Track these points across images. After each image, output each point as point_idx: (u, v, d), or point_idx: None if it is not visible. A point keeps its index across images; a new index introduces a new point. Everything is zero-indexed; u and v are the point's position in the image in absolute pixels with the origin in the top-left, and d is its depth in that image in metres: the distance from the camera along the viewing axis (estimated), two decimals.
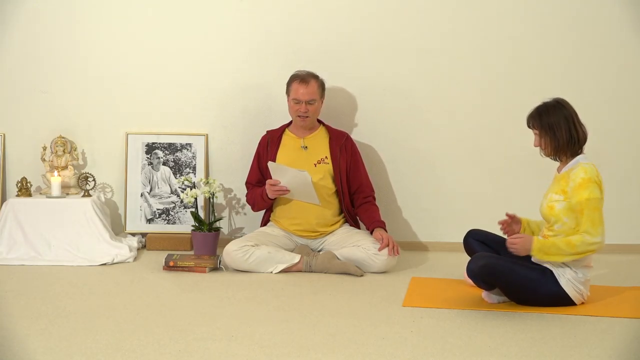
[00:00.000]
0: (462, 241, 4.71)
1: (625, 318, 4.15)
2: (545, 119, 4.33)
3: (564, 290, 4.29)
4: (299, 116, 5.22)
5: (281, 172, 5.08)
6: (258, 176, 5.31)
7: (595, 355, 3.62)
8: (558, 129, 4.32)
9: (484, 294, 4.41)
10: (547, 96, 4.41)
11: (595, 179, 4.27)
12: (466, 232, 4.72)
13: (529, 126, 4.40)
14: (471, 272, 4.29)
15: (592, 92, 5.55)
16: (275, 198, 5.20)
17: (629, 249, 5.59)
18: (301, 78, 5.21)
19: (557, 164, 4.46)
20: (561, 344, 3.76)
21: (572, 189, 4.28)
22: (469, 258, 4.45)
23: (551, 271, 4.29)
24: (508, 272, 4.25)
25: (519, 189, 5.49)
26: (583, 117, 4.36)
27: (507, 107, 5.58)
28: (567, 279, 4.28)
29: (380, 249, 5.00)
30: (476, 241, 4.65)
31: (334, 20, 5.64)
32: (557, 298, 4.30)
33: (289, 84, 5.25)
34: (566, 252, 4.22)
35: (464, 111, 5.66)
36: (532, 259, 4.33)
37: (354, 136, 5.56)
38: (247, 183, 5.40)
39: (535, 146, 4.42)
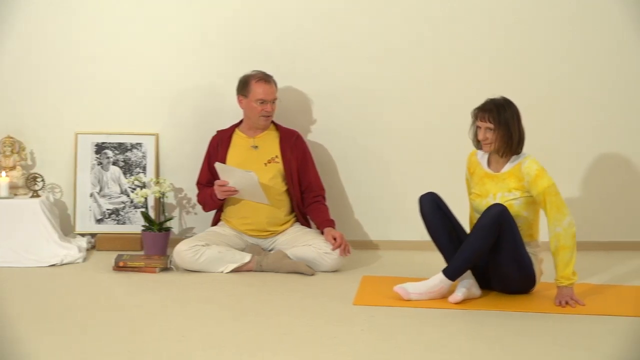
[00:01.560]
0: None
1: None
2: (503, 114, 4.41)
3: (534, 271, 4.43)
4: (263, 116, 5.21)
5: (228, 173, 5.08)
6: (208, 176, 5.29)
7: (554, 350, 3.67)
8: (512, 125, 4.41)
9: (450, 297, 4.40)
10: (498, 94, 4.48)
11: (544, 168, 4.41)
12: (424, 197, 4.63)
13: (482, 120, 4.44)
14: (494, 213, 4.27)
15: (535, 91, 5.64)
16: (225, 198, 5.19)
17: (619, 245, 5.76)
18: (263, 78, 5.20)
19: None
20: (514, 341, 3.80)
21: (529, 182, 4.39)
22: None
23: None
24: (516, 231, 4.32)
25: None
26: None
27: (459, 106, 5.61)
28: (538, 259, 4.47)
29: (333, 249, 5.02)
30: (445, 215, 4.60)
31: (285, 19, 5.64)
32: (529, 279, 4.44)
33: (246, 84, 5.22)
34: (569, 255, 4.33)
35: (416, 110, 5.69)
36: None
37: (305, 135, 5.58)
38: (197, 183, 5.38)
39: (481, 139, 4.46)
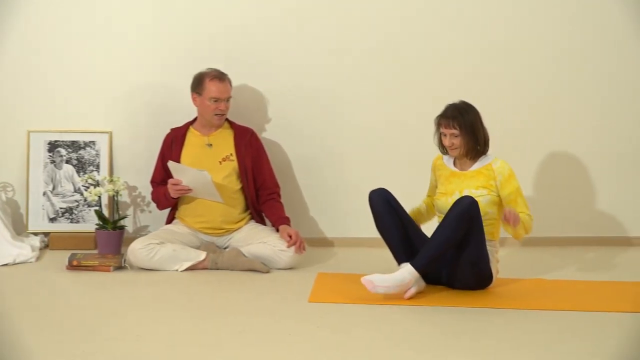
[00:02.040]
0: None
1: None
2: (466, 118, 4.47)
3: (490, 269, 4.48)
4: (217, 114, 5.20)
5: (181, 171, 5.06)
6: (162, 175, 5.27)
7: (507, 345, 3.70)
8: (477, 128, 4.50)
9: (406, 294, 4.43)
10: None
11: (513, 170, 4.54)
12: (374, 192, 4.64)
13: (446, 127, 4.48)
14: (464, 205, 4.30)
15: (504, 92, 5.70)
16: (179, 197, 5.17)
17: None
18: (218, 76, 5.19)
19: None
20: (468, 337, 3.83)
21: (501, 182, 4.49)
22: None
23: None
24: (482, 227, 4.38)
25: (424, 184, 5.57)
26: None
27: (413, 103, 5.66)
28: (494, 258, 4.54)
29: (288, 246, 5.02)
30: (392, 203, 4.62)
31: (240, 17, 5.63)
32: (486, 277, 4.49)
33: (200, 82, 5.20)
34: (528, 222, 4.49)
35: (371, 108, 5.71)
36: None
37: (260, 133, 5.57)
38: (152, 182, 5.36)
39: (448, 145, 4.52)
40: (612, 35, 5.69)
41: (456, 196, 4.49)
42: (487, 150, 4.57)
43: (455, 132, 4.47)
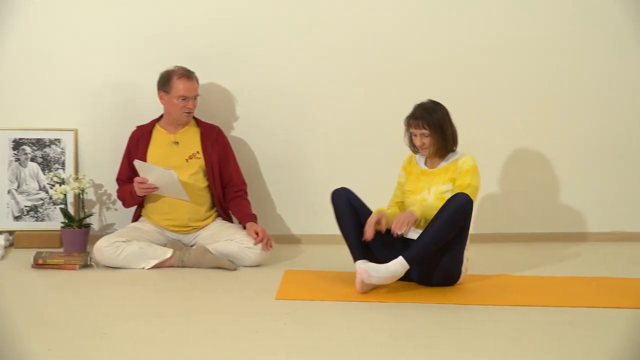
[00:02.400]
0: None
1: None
2: (435, 117, 4.50)
3: (461, 267, 4.53)
4: (185, 112, 5.18)
5: (148, 170, 5.05)
6: (128, 173, 5.25)
7: (476, 341, 3.73)
8: (445, 127, 4.52)
9: (358, 284, 4.46)
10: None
11: (477, 168, 4.52)
12: (342, 188, 4.68)
13: (416, 127, 4.51)
14: (461, 201, 4.33)
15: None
16: (145, 195, 5.16)
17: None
18: (185, 74, 5.17)
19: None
20: (435, 332, 3.85)
21: (459, 172, 4.50)
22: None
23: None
24: (469, 226, 4.43)
25: (390, 181, 5.59)
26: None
27: (380, 101, 5.69)
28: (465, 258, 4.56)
29: (255, 243, 5.02)
30: (353, 203, 4.63)
31: (206, 14, 5.62)
32: (457, 274, 4.54)
33: (168, 80, 5.18)
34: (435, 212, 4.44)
35: (336, 106, 5.73)
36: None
37: (227, 130, 5.56)
38: (117, 179, 5.33)
39: (419, 145, 4.55)
40: (597, 34, 5.77)
41: (425, 194, 4.53)
42: (455, 147, 4.60)
43: (425, 132, 4.50)
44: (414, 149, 4.65)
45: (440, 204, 4.45)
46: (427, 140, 4.52)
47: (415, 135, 4.56)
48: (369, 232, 4.50)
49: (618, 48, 5.79)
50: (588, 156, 5.87)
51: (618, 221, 5.92)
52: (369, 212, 4.62)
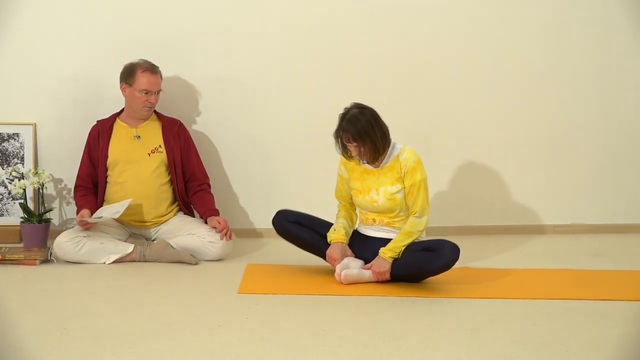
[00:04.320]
0: (303, 212, 4.80)
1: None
2: (360, 127, 4.40)
3: None
4: (146, 107, 5.16)
5: (103, 210, 5.03)
6: (89, 168, 5.22)
7: (438, 334, 3.75)
8: (373, 133, 4.42)
9: (342, 275, 4.48)
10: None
11: (421, 160, 4.49)
12: (277, 213, 4.82)
13: (346, 141, 4.45)
14: (450, 261, 4.38)
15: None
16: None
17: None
18: (149, 68, 5.15)
19: None
20: (398, 325, 3.86)
21: (405, 173, 4.46)
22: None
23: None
24: None
25: None
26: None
27: (341, 96, 5.66)
28: None
29: (217, 232, 5.01)
30: (291, 223, 4.76)
31: (168, 6, 5.59)
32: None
33: (131, 73, 5.15)
34: (407, 239, 4.46)
35: (300, 100, 5.73)
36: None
37: (189, 125, 5.55)
38: (76, 185, 5.26)
39: (355, 155, 4.50)
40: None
41: (373, 194, 4.52)
42: (389, 143, 4.51)
43: (355, 144, 4.44)
44: (349, 158, 4.56)
45: (391, 205, 4.48)
46: (360, 150, 4.45)
47: (348, 146, 4.49)
48: (337, 269, 4.54)
49: (576, 42, 5.86)
50: (544, 149, 5.92)
51: (578, 214, 5.98)
52: (314, 219, 4.72)
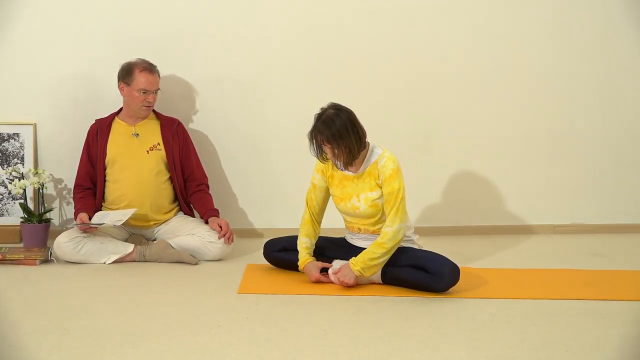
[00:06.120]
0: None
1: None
2: (335, 129, 4.32)
3: None
4: (145, 106, 5.16)
5: (103, 216, 5.02)
6: (88, 167, 5.22)
7: (438, 333, 3.75)
8: (347, 136, 4.33)
9: (333, 273, 4.49)
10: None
11: (400, 167, 4.42)
12: (264, 246, 4.84)
13: (321, 142, 4.38)
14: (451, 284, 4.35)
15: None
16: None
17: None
18: (148, 68, 5.15)
19: None
20: (397, 325, 3.87)
21: (383, 180, 4.40)
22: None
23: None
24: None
25: None
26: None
27: (340, 95, 5.66)
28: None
29: (220, 237, 5.01)
30: (277, 252, 4.78)
31: (167, 5, 5.59)
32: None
33: (130, 72, 5.15)
34: (381, 254, 4.37)
35: (298, 100, 5.73)
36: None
37: (187, 124, 5.55)
38: (75, 185, 5.26)
39: (330, 157, 4.43)
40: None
41: (354, 201, 4.47)
42: (364, 146, 4.42)
43: (329, 146, 4.37)
44: (324, 160, 4.49)
45: (373, 211, 4.44)
46: (335, 152, 4.38)
47: (323, 149, 4.43)
48: (331, 277, 4.52)
49: (576, 42, 5.86)
50: (544, 149, 5.93)
51: (578, 214, 5.98)
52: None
